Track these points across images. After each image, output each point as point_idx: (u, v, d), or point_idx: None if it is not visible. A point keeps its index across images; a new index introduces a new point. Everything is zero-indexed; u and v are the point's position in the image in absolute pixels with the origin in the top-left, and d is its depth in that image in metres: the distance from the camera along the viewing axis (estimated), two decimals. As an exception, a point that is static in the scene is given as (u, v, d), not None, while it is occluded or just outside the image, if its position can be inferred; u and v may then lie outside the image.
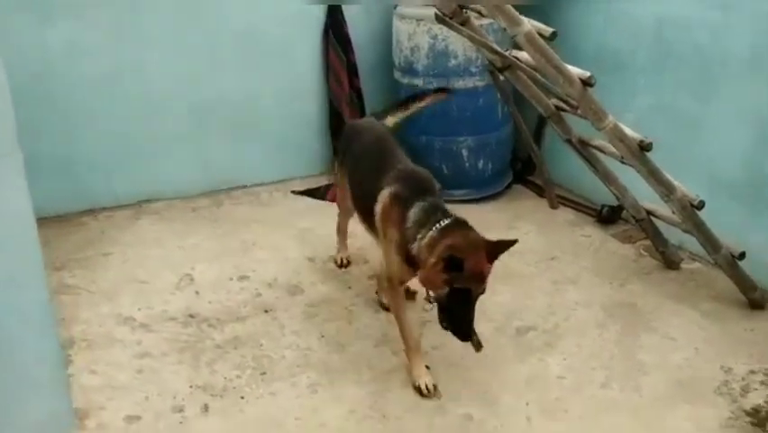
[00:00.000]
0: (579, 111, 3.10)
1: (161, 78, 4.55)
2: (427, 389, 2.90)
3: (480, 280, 2.60)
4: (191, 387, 3.01)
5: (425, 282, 2.73)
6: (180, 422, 2.82)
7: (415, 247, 2.71)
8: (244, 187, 4.96)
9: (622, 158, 3.23)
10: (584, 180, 4.32)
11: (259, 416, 2.86)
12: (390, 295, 3.04)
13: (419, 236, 2.69)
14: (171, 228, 4.40)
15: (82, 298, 3.66)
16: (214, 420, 2.83)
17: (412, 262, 2.76)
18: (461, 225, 2.71)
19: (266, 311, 3.55)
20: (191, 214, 4.61)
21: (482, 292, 2.65)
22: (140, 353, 3.22)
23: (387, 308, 3.36)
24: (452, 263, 2.51)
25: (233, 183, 4.94)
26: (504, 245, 2.64)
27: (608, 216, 4.41)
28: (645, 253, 4.10)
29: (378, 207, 2.94)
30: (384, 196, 2.90)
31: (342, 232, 3.87)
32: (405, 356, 3.04)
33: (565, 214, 4.65)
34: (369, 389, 3.00)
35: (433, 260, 2.58)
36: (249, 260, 4.03)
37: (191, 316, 3.50)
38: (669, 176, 3.22)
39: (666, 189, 3.21)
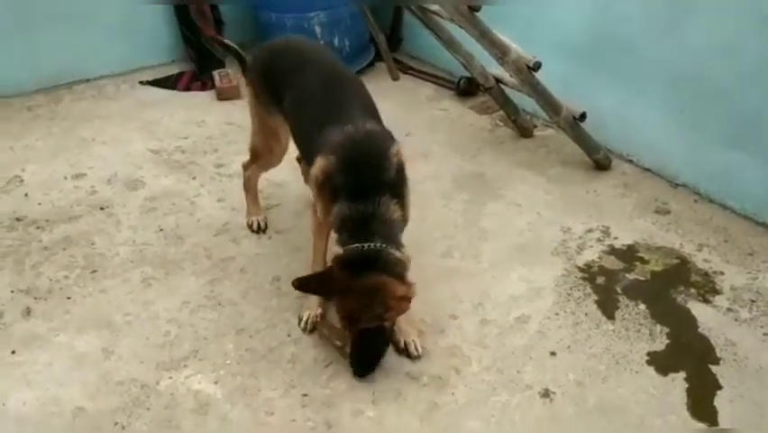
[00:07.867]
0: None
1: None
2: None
3: (381, 319, 2.29)
4: (12, 292, 2.82)
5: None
6: (-2, 329, 2.65)
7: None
8: (87, 81, 4.61)
9: (452, 19, 3.09)
10: (445, 55, 4.19)
11: (85, 315, 2.71)
12: (314, 222, 2.62)
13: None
14: (5, 129, 4.05)
15: None
16: (36, 323, 2.67)
17: None
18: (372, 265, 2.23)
19: (101, 208, 3.35)
20: (27, 113, 4.26)
21: (392, 324, 2.38)
22: (-45, 263, 3.00)
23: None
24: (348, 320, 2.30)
25: (73, 77, 4.56)
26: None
27: (465, 88, 4.32)
28: (501, 124, 4.06)
29: (312, 171, 2.40)
30: (318, 167, 2.34)
31: (252, 188, 3.17)
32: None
33: (426, 89, 4.54)
34: (205, 279, 2.90)
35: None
36: (86, 157, 3.77)
37: (18, 219, 3.26)
38: (504, 37, 3.12)
39: (500, 51, 3.12)
